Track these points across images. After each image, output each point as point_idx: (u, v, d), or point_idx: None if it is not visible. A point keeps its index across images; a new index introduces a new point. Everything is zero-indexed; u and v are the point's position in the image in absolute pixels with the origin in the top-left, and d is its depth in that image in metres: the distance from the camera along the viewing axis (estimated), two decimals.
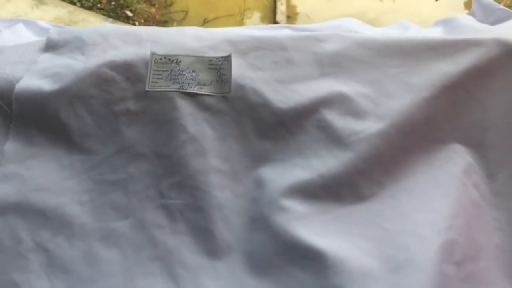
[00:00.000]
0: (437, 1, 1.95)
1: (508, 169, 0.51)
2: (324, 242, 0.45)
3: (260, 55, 0.55)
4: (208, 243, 0.47)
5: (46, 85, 0.52)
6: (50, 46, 0.58)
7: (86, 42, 0.56)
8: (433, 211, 0.47)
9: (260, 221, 0.48)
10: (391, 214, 0.48)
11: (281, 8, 2.78)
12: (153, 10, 2.84)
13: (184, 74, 0.53)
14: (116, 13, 2.69)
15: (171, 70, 0.53)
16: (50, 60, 0.55)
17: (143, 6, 2.86)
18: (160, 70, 0.53)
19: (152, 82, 0.52)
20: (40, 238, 0.47)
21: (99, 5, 2.82)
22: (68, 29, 0.59)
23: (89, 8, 2.62)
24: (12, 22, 0.77)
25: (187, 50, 0.54)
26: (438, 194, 0.48)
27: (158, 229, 0.48)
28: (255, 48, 0.55)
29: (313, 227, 0.46)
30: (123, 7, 2.79)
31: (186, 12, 2.70)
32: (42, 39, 0.60)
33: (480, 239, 0.47)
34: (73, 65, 0.53)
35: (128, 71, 0.53)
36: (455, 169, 0.50)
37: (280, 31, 0.70)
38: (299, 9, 2.92)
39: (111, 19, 2.32)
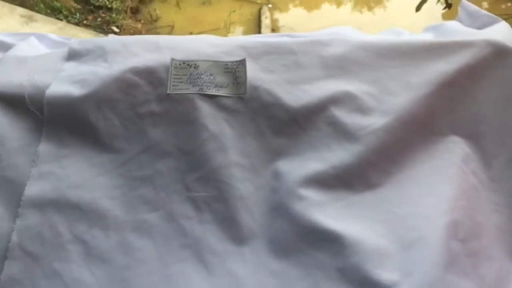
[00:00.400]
0: (417, 12, 2.02)
1: (502, 157, 0.56)
2: (340, 225, 0.50)
3: (271, 59, 0.60)
4: (233, 230, 0.52)
5: (74, 90, 0.56)
6: (73, 55, 0.62)
7: (107, 50, 0.60)
8: (437, 195, 0.52)
9: (280, 209, 0.52)
10: (399, 199, 0.53)
11: (266, 21, 2.84)
12: (139, 25, 2.88)
13: (203, 78, 0.58)
14: (103, 29, 2.72)
15: (190, 74, 0.58)
16: (75, 68, 0.60)
17: (129, 22, 2.90)
18: (180, 74, 0.58)
19: (173, 85, 0.57)
20: (77, 230, 0.51)
21: (85, 22, 2.86)
22: (88, 39, 0.64)
23: (76, 24, 2.65)
24: (24, 35, 0.81)
25: (204, 56, 0.59)
26: (441, 180, 0.53)
27: (186, 219, 0.52)
28: (266, 53, 0.60)
29: (329, 213, 0.51)
30: (109, 23, 2.83)
31: (172, 27, 2.75)
32: (63, 49, 0.65)
33: (480, 220, 0.52)
34: (98, 71, 0.58)
35: (150, 76, 0.57)
36: (454, 158, 0.55)
37: (282, 39, 0.75)
38: (281, 23, 2.99)
39: (101, 35, 2.36)
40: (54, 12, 2.80)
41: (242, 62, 0.59)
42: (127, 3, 3.05)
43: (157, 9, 3.01)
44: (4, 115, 0.56)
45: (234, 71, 0.58)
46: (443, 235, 0.48)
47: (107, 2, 3.24)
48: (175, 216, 0.52)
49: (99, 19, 2.87)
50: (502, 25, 0.69)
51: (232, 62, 0.59)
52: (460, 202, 0.51)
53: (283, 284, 0.48)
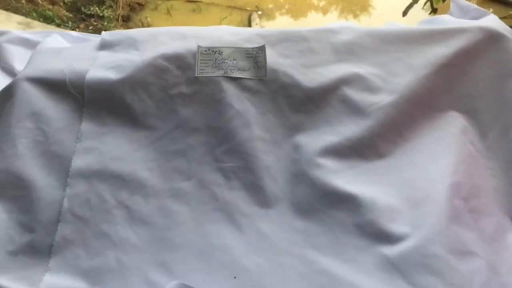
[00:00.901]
0: (403, 18, 2.10)
1: (496, 129, 0.64)
2: (355, 188, 0.57)
3: (287, 45, 0.67)
4: (259, 196, 0.58)
5: (111, 75, 0.63)
6: (105, 45, 0.69)
7: (137, 40, 0.67)
8: (440, 161, 0.59)
9: (300, 177, 0.59)
10: (406, 166, 0.60)
11: (256, 28, 2.93)
12: None
13: (227, 62, 0.65)
14: None
15: (215, 59, 0.65)
16: (109, 56, 0.66)
17: (121, 29, 2.96)
18: (206, 60, 0.64)
19: (200, 69, 0.64)
20: (120, 197, 0.57)
21: (77, 30, 2.91)
22: (117, 31, 0.70)
23: None
24: (47, 33, 0.87)
25: (226, 43, 0.66)
26: (443, 149, 0.60)
27: (216, 186, 0.59)
28: (282, 40, 0.67)
29: (345, 178, 0.58)
30: (101, 31, 2.88)
31: None
32: (94, 41, 0.71)
33: (479, 183, 0.59)
34: (131, 58, 0.65)
35: (178, 61, 0.64)
36: (454, 130, 0.63)
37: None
38: None
39: None
40: (47, 20, 2.86)
41: (262, 48, 0.66)
42: (118, 11, 3.11)
43: (148, 16, 3.07)
44: (48, 98, 0.62)
45: (255, 56, 0.65)
46: (447, 194, 0.55)
47: (99, 11, 3.30)
48: (206, 184, 0.59)
49: (90, 27, 2.92)
50: (492, 16, 0.77)
51: (253, 48, 0.66)
52: (461, 166, 0.59)
53: (307, 239, 0.55)
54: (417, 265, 0.50)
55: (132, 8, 3.23)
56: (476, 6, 0.89)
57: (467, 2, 0.90)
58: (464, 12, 0.85)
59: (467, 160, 0.60)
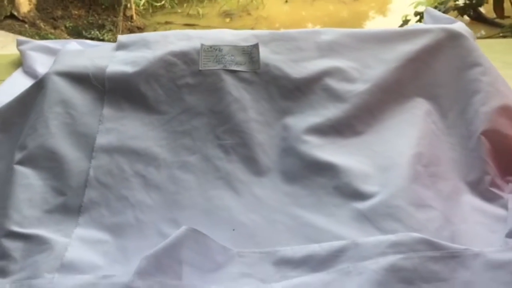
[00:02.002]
0: None
1: (455, 111, 0.77)
2: (335, 159, 0.70)
3: (278, 44, 0.81)
4: (254, 167, 0.71)
5: (128, 69, 0.76)
6: (121, 46, 0.82)
7: (149, 41, 0.81)
8: (406, 137, 0.72)
9: (289, 151, 0.72)
10: (378, 141, 0.73)
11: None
12: None
13: (226, 58, 0.78)
14: None
15: (216, 55, 0.78)
16: (125, 54, 0.80)
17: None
18: (208, 56, 0.78)
19: (203, 63, 0.77)
20: (136, 168, 0.70)
21: None
22: (131, 35, 0.84)
23: None
24: (66, 41, 1.02)
25: (226, 42, 0.80)
26: (409, 127, 0.73)
27: (218, 160, 0.71)
28: (274, 40, 0.81)
29: (326, 152, 0.71)
30: None
31: None
32: (110, 44, 0.85)
33: (439, 154, 0.72)
34: (144, 55, 0.78)
35: (185, 57, 0.78)
36: (419, 112, 0.76)
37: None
38: None
39: None
40: None
41: (256, 46, 0.80)
42: (118, 35, 3.27)
43: None
44: (74, 89, 0.75)
45: (250, 53, 0.79)
46: (410, 161, 0.68)
47: (99, 34, 3.47)
48: (209, 158, 0.72)
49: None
50: (459, 23, 0.91)
51: (248, 46, 0.80)
52: (423, 141, 0.71)
53: (294, 200, 0.68)
54: (383, 215, 0.62)
55: (131, 32, 3.39)
56: (447, 16, 1.03)
57: (439, 12, 1.05)
58: (436, 21, 0.99)
59: (429, 136, 0.73)
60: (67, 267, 0.57)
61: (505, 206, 0.67)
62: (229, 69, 0.78)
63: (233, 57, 0.79)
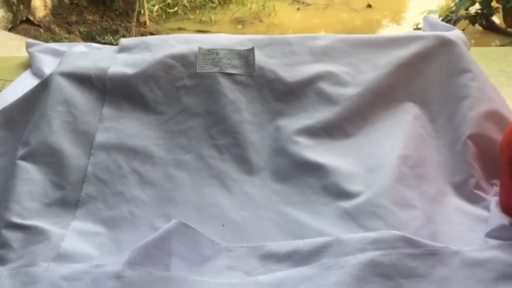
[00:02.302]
0: None
1: (443, 116, 0.79)
2: (324, 159, 0.72)
3: (273, 48, 0.84)
4: (246, 166, 0.74)
5: (128, 70, 0.80)
6: (123, 49, 0.86)
7: (150, 44, 0.85)
8: (394, 140, 0.74)
9: (280, 151, 0.75)
10: (367, 143, 0.75)
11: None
12: None
13: (222, 61, 0.81)
14: None
15: (213, 59, 0.81)
16: (127, 56, 0.84)
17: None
18: (205, 59, 0.81)
19: (201, 66, 0.81)
20: (133, 165, 0.73)
21: None
22: (133, 38, 0.88)
23: None
24: (73, 45, 1.06)
25: (222, 46, 0.84)
26: (398, 131, 0.76)
27: (211, 159, 0.74)
28: (269, 44, 0.84)
29: (316, 152, 0.74)
30: None
31: None
32: (113, 47, 0.89)
33: (425, 156, 0.74)
34: (144, 57, 0.82)
35: (183, 60, 0.81)
36: (408, 116, 0.78)
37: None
38: None
39: None
40: None
41: (251, 50, 0.83)
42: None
43: None
44: (76, 89, 0.79)
45: (246, 56, 0.82)
46: (396, 162, 0.70)
47: (113, 40, 3.53)
48: (203, 157, 0.75)
49: None
50: (456, 31, 0.93)
51: (244, 50, 0.83)
52: (411, 143, 0.74)
53: (283, 198, 0.70)
54: (367, 213, 0.65)
55: None
56: (445, 23, 1.06)
57: (437, 20, 1.07)
58: (434, 28, 1.01)
59: (417, 139, 0.75)
60: (63, 257, 0.61)
61: (488, 208, 0.69)
62: (225, 72, 0.81)
63: (229, 61, 0.82)
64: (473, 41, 3.32)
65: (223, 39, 0.86)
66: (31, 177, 0.70)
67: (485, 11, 3.16)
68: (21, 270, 0.58)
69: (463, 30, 3.50)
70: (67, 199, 0.69)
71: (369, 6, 4.33)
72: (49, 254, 0.61)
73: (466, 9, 3.20)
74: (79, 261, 0.61)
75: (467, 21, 3.32)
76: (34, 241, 0.63)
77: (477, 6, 3.17)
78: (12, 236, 0.63)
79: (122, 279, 0.56)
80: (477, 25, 3.48)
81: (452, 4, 3.25)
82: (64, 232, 0.65)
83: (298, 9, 4.34)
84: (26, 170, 0.71)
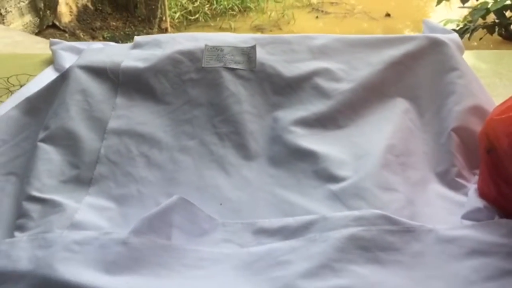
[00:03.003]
0: None
1: (431, 110, 0.85)
2: (316, 147, 0.79)
3: (273, 46, 0.91)
4: (244, 152, 0.81)
5: (140, 64, 0.88)
6: (136, 45, 0.94)
7: (161, 41, 0.93)
8: (383, 131, 0.81)
9: (276, 139, 0.82)
10: (357, 134, 0.82)
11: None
12: None
13: (226, 57, 0.89)
14: None
15: (218, 55, 0.89)
16: (139, 52, 0.92)
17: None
18: (211, 55, 0.89)
19: (206, 61, 0.88)
20: (142, 149, 0.81)
21: None
22: (146, 36, 0.96)
23: None
24: (91, 43, 1.15)
25: (227, 43, 0.91)
26: (387, 123, 0.82)
27: (213, 145, 0.82)
28: (270, 42, 0.92)
29: (309, 141, 0.80)
30: None
31: None
32: (128, 44, 0.97)
33: (411, 147, 0.80)
34: (155, 53, 0.90)
35: (190, 56, 0.89)
36: (398, 110, 0.85)
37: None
38: None
39: None
40: None
41: (254, 47, 0.90)
42: None
43: None
44: (93, 80, 0.88)
45: (248, 53, 0.90)
46: (382, 151, 0.77)
47: None
48: (206, 143, 0.82)
49: None
50: (453, 34, 1.00)
51: (247, 47, 0.91)
52: (398, 134, 0.80)
53: (277, 181, 0.77)
54: (351, 195, 0.71)
55: None
56: (443, 27, 1.12)
57: (437, 24, 1.14)
58: (432, 31, 1.08)
59: (404, 131, 0.82)
60: (76, 226, 0.68)
61: (467, 194, 0.74)
62: (228, 67, 0.88)
63: (232, 57, 0.90)
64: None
65: (228, 37, 0.94)
66: (50, 157, 0.78)
67: (497, 21, 3.19)
68: (38, 235, 0.66)
69: (480, 39, 3.53)
70: (82, 178, 0.77)
71: (388, 15, 4.38)
72: (64, 223, 0.68)
73: (484, 19, 3.24)
74: (90, 230, 0.68)
75: (484, 30, 3.35)
76: (51, 212, 0.70)
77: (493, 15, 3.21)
78: (32, 208, 0.71)
79: (128, 245, 0.63)
80: (496, 35, 3.51)
81: (467, 14, 3.29)
82: (78, 205, 0.72)
83: (317, 17, 4.41)
84: (46, 151, 0.79)
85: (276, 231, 0.69)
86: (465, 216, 0.70)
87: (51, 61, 1.17)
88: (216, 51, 0.90)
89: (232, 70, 0.88)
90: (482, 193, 0.72)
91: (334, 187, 0.74)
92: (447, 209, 0.73)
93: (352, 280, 0.59)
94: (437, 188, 0.77)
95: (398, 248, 0.63)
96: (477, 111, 0.83)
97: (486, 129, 0.71)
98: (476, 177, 0.78)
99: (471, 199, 0.72)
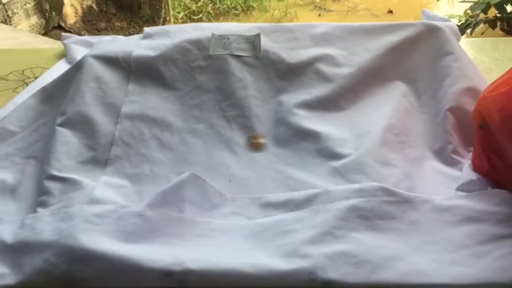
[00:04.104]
0: None
1: (428, 93, 0.90)
2: (319, 128, 0.84)
3: (277, 34, 0.96)
4: (251, 133, 0.86)
5: (150, 53, 0.93)
6: (146, 36, 1.00)
7: (169, 31, 0.98)
8: (381, 111, 0.86)
9: (281, 121, 0.87)
10: (358, 115, 0.87)
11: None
12: None
13: (232, 45, 0.94)
14: None
15: (224, 43, 0.94)
16: (149, 42, 0.97)
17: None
18: (217, 43, 0.94)
19: (213, 49, 0.94)
20: (154, 132, 0.86)
21: None
22: (156, 27, 1.01)
23: None
24: (102, 37, 1.20)
25: (233, 32, 0.97)
26: (386, 104, 0.87)
27: (221, 127, 0.87)
28: (274, 31, 0.97)
29: (312, 122, 0.86)
30: None
31: None
32: (139, 35, 1.03)
33: (410, 127, 0.85)
34: (164, 42, 0.95)
35: (198, 44, 0.94)
36: (396, 93, 0.90)
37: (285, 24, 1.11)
38: None
39: None
40: None
41: (258, 35, 0.95)
42: None
43: None
44: (106, 69, 0.93)
45: (253, 41, 0.95)
46: (382, 129, 0.82)
47: None
48: (214, 126, 0.87)
49: None
50: (450, 22, 1.04)
51: (251, 35, 0.96)
52: (396, 114, 0.85)
53: (281, 159, 0.82)
54: (352, 170, 0.76)
55: None
56: (441, 16, 1.17)
57: (434, 13, 1.19)
58: (430, 20, 1.12)
59: (403, 111, 0.87)
60: (94, 202, 0.73)
61: (462, 169, 0.79)
62: (234, 54, 0.94)
63: (238, 45, 0.95)
64: None
65: (233, 27, 0.99)
66: (68, 140, 0.83)
67: (499, 15, 3.23)
68: (60, 210, 0.71)
69: (482, 34, 3.56)
70: (98, 159, 0.82)
71: (390, 12, 4.43)
72: (83, 199, 0.74)
73: (485, 13, 3.28)
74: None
75: (486, 25, 3.39)
76: (71, 189, 0.76)
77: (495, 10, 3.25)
78: (53, 186, 0.76)
79: (143, 217, 0.68)
80: (498, 30, 3.54)
81: (467, 8, 3.33)
82: (96, 183, 0.78)
83: (319, 15, 4.46)
84: (64, 134, 0.84)
85: (282, 204, 0.73)
86: (460, 188, 0.75)
87: (63, 55, 1.23)
88: (222, 39, 0.95)
89: (238, 57, 0.94)
90: (475, 167, 0.77)
91: (336, 163, 0.78)
92: (443, 183, 0.78)
93: (352, 245, 0.64)
94: (434, 164, 0.81)
95: (396, 217, 0.68)
96: (471, 92, 0.87)
97: (479, 106, 0.76)
98: (471, 154, 0.83)
99: (466, 173, 0.77)
